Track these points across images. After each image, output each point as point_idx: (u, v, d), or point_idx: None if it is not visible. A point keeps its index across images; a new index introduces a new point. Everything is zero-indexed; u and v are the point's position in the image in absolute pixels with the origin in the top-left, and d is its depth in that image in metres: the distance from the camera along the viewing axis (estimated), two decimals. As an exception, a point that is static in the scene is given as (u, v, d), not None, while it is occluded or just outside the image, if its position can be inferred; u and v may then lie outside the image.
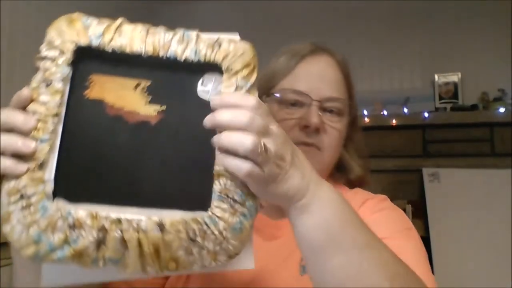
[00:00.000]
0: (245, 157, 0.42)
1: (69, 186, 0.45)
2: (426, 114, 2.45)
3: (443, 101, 2.61)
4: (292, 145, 0.47)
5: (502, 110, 2.39)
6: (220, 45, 0.49)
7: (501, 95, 2.48)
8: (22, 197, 0.42)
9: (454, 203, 2.29)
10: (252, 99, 0.44)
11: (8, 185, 0.42)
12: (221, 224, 0.45)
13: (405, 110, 2.55)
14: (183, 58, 0.48)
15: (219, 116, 0.43)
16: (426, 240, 2.18)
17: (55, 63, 0.46)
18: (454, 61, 2.64)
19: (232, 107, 0.44)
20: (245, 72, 0.48)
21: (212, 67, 0.49)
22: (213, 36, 0.50)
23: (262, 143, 0.42)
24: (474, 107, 2.50)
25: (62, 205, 0.44)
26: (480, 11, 2.63)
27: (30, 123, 0.43)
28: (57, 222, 0.42)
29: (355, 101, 0.80)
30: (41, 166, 0.44)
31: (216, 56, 0.48)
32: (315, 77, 0.74)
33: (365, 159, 0.84)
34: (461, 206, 2.26)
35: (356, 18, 2.83)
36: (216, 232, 0.45)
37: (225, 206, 0.45)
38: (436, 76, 2.65)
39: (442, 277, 2.04)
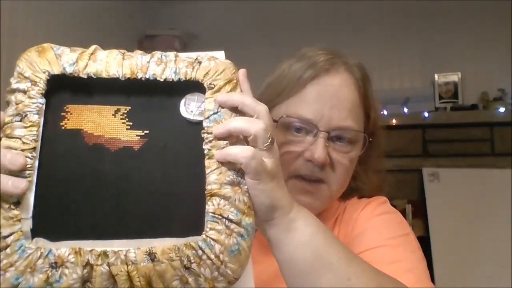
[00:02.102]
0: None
1: (49, 224, 0.42)
2: (426, 114, 2.45)
3: (443, 101, 2.61)
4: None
5: (502, 110, 2.39)
6: (200, 63, 0.48)
7: (501, 95, 2.49)
8: None
9: (454, 203, 2.28)
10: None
11: None
12: (217, 248, 0.41)
13: (405, 110, 2.55)
14: (163, 78, 0.46)
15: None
16: (426, 240, 2.19)
17: (27, 94, 0.44)
18: (454, 61, 2.64)
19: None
20: (228, 88, 0.47)
21: (193, 87, 0.47)
22: (191, 55, 0.49)
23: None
24: (474, 107, 2.50)
25: (42, 244, 0.41)
26: (480, 11, 2.62)
27: (19, 161, 0.41)
28: (37, 262, 0.39)
29: (376, 117, 0.75)
30: (17, 204, 0.41)
31: (197, 74, 0.47)
32: (327, 101, 0.67)
33: (381, 172, 0.78)
34: (461, 206, 2.26)
35: (356, 18, 2.82)
36: (213, 257, 0.41)
37: (220, 227, 0.42)
38: (436, 76, 2.64)
39: (442, 277, 2.04)
